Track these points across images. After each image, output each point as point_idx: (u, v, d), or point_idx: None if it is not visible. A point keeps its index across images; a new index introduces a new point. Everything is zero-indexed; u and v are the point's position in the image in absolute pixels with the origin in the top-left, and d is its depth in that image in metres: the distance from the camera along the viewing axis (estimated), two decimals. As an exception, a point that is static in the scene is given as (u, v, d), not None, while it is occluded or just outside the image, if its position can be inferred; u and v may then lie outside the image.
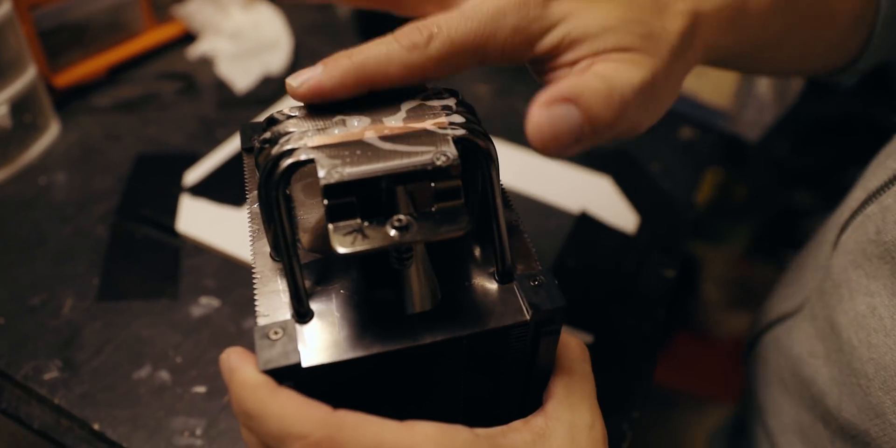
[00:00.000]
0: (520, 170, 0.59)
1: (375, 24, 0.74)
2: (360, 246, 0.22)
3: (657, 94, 0.27)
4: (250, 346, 0.44)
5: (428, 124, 0.25)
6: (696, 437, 1.14)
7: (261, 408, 0.23)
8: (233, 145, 0.59)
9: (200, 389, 0.41)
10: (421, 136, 0.24)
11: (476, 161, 0.25)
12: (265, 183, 0.24)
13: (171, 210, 0.52)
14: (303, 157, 0.23)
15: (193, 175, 0.55)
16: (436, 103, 0.26)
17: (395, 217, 0.23)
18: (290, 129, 0.25)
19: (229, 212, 0.52)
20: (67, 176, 0.56)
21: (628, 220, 0.56)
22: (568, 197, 0.58)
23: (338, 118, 0.25)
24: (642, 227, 0.56)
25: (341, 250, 0.22)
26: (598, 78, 0.24)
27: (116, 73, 0.67)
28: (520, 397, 0.30)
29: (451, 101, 0.26)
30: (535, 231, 0.55)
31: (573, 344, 0.29)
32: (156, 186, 0.55)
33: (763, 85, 0.70)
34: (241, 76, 0.67)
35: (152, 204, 0.53)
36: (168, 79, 0.67)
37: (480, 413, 0.30)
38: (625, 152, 0.64)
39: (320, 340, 0.25)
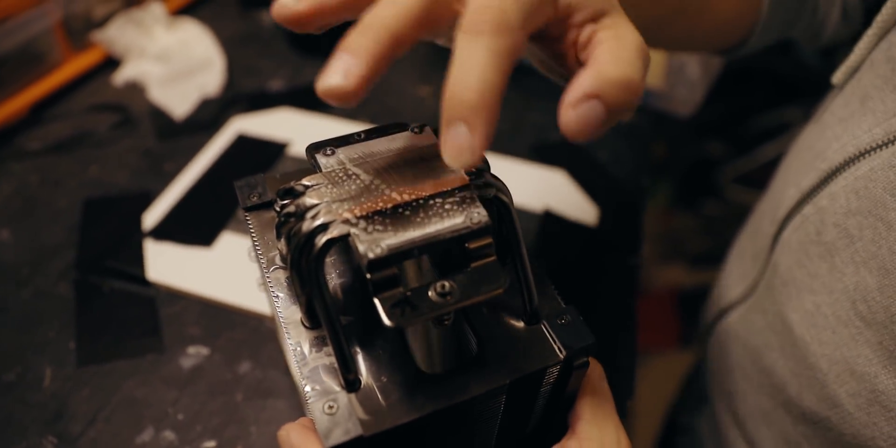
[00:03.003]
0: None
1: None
2: (412, 317, 0.23)
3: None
4: (249, 391, 0.43)
5: (449, 184, 0.25)
6: (642, 388, 1.20)
7: None
8: (186, 179, 0.56)
9: (210, 444, 0.41)
10: (446, 197, 0.24)
11: (498, 213, 0.26)
12: (299, 260, 0.24)
13: (137, 258, 0.50)
14: (337, 234, 0.23)
15: (152, 217, 0.53)
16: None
17: (438, 283, 0.23)
18: (314, 201, 0.24)
19: (199, 252, 0.51)
20: (12, 232, 0.53)
21: (589, 212, 0.58)
22: (529, 195, 0.59)
23: (358, 183, 0.25)
24: (603, 217, 0.58)
25: (392, 324, 0.23)
26: (612, 63, 0.23)
27: (40, 110, 0.63)
28: (547, 419, 0.33)
29: None
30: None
31: (592, 364, 0.30)
32: (113, 233, 0.52)
33: (692, 65, 0.73)
34: (177, 101, 0.64)
35: (114, 253, 0.51)
36: (99, 111, 0.63)
37: (510, 436, 0.32)
38: (572, 143, 0.66)
39: (374, 406, 0.26)
